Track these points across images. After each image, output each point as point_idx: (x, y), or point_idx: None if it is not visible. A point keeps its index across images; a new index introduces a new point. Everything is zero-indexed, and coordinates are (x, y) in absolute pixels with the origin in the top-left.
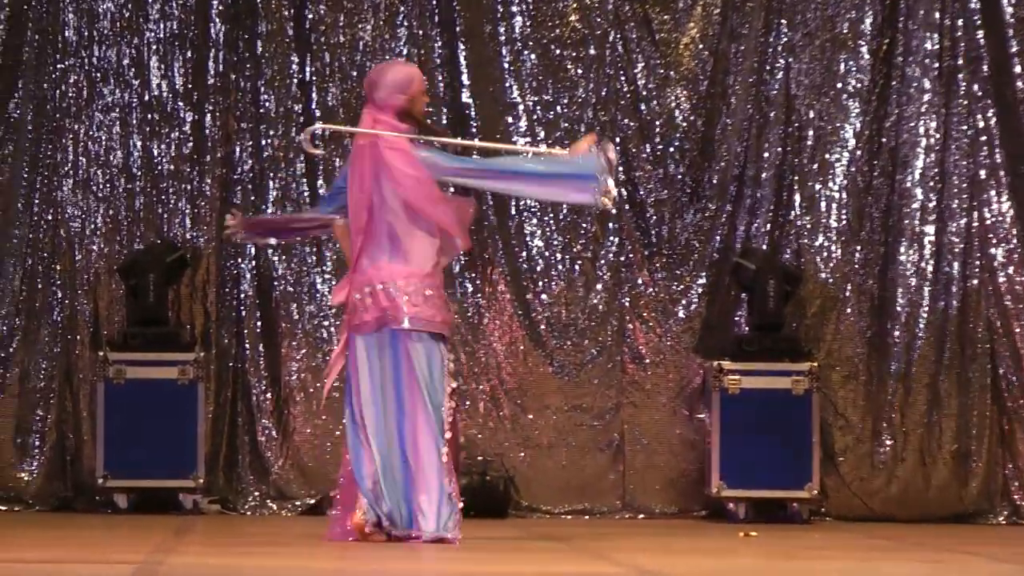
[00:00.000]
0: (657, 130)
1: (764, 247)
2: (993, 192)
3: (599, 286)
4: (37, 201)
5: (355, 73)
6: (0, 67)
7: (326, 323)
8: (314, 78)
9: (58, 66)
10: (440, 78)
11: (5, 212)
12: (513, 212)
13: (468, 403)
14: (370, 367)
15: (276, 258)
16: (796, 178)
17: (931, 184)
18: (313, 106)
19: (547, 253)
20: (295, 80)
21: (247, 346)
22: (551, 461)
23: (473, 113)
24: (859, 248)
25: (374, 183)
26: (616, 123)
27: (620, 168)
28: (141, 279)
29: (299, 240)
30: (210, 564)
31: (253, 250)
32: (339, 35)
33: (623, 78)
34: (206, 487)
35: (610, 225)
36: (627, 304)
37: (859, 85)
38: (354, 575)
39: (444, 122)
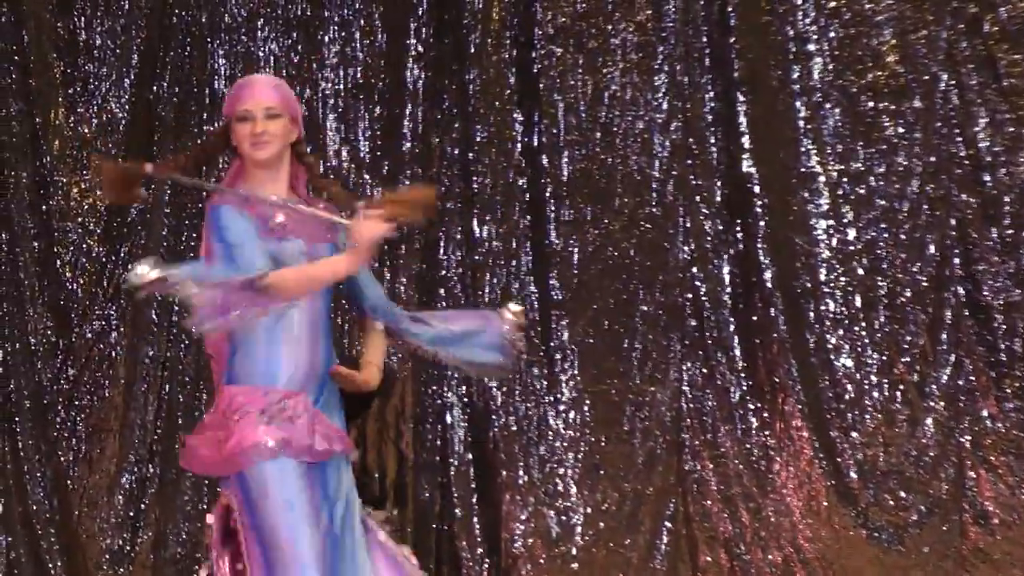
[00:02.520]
0: (1007, 209)
1: None
2: None
3: (929, 420)
4: (177, 307)
5: (599, 135)
6: (130, 127)
7: (560, 470)
8: (543, 141)
9: (205, 127)
10: (713, 141)
11: (135, 321)
12: (812, 319)
13: None
14: None
15: (494, 384)
16: None
17: None
18: (543, 179)
19: (858, 376)
20: (518, 145)
21: (456, 501)
22: None
23: (757, 187)
24: None
25: None
26: (950, 198)
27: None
28: None
29: None
30: None
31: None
32: (577, 84)
33: (959, 139)
34: None
35: (943, 337)
36: (967, 444)
37: None
38: None
39: (718, 199)
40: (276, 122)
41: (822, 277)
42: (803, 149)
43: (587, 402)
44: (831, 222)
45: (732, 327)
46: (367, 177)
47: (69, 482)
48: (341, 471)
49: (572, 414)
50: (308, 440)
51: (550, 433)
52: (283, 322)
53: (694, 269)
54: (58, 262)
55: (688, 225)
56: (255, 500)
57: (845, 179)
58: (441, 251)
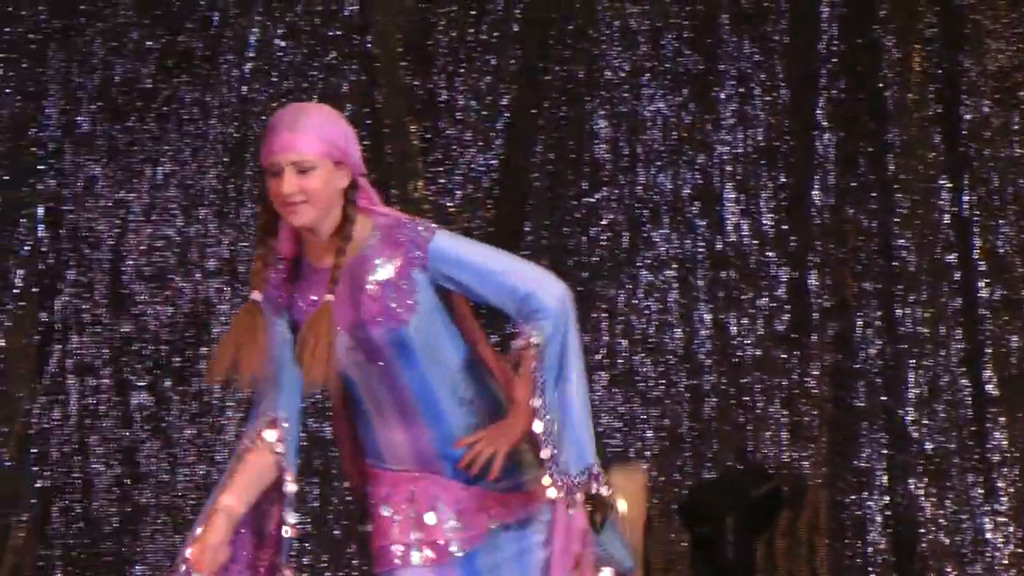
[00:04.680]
0: None
1: None
2: None
3: None
4: None
5: None
6: (500, 200)
7: None
8: (976, 211)
9: (583, 199)
10: None
11: None
12: None
13: None
14: None
15: (922, 492)
16: None
17: None
18: (976, 256)
19: None
20: (946, 216)
21: None
22: None
23: None
24: None
25: None
26: None
27: None
28: (713, 525)
29: None
30: None
31: (885, 480)
32: (1014, 145)
33: None
34: None
35: None
36: None
37: None
38: None
39: None
40: (311, 176)
41: None
42: None
43: None
44: None
45: None
46: (771, 255)
47: None
48: (495, 547)
49: (1013, 528)
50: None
51: (988, 549)
52: (361, 408)
53: None
54: None
55: None
56: None
57: None
58: (858, 340)
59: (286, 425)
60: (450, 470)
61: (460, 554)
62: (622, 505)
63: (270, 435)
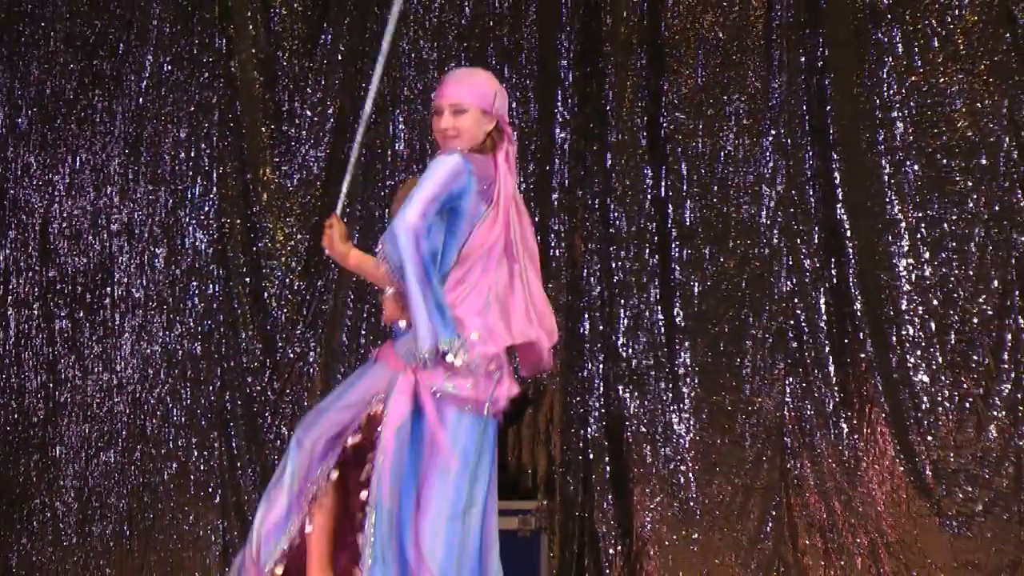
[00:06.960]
0: None
1: None
2: None
3: (992, 427)
4: (364, 332)
5: (716, 187)
6: (326, 182)
7: (683, 467)
8: (669, 192)
9: (388, 183)
10: (811, 192)
11: (329, 344)
12: (894, 342)
13: (843, 561)
14: None
15: (628, 395)
16: None
17: None
18: (669, 225)
19: (932, 389)
20: (648, 196)
21: (595, 493)
22: None
23: (848, 232)
24: None
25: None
26: (1011, 241)
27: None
28: None
29: None
30: None
31: (602, 387)
32: (697, 145)
33: (1019, 191)
34: None
35: (1004, 357)
36: None
37: None
38: None
39: (816, 241)
40: (463, 117)
41: (903, 307)
42: (887, 200)
43: (705, 411)
44: (910, 261)
45: (827, 349)
46: None
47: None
48: None
49: (692, 420)
50: None
51: (674, 436)
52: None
53: (795, 300)
54: (265, 295)
55: (790, 263)
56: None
57: (923, 224)
58: (584, 284)
59: None
60: None
61: None
62: None
63: None
